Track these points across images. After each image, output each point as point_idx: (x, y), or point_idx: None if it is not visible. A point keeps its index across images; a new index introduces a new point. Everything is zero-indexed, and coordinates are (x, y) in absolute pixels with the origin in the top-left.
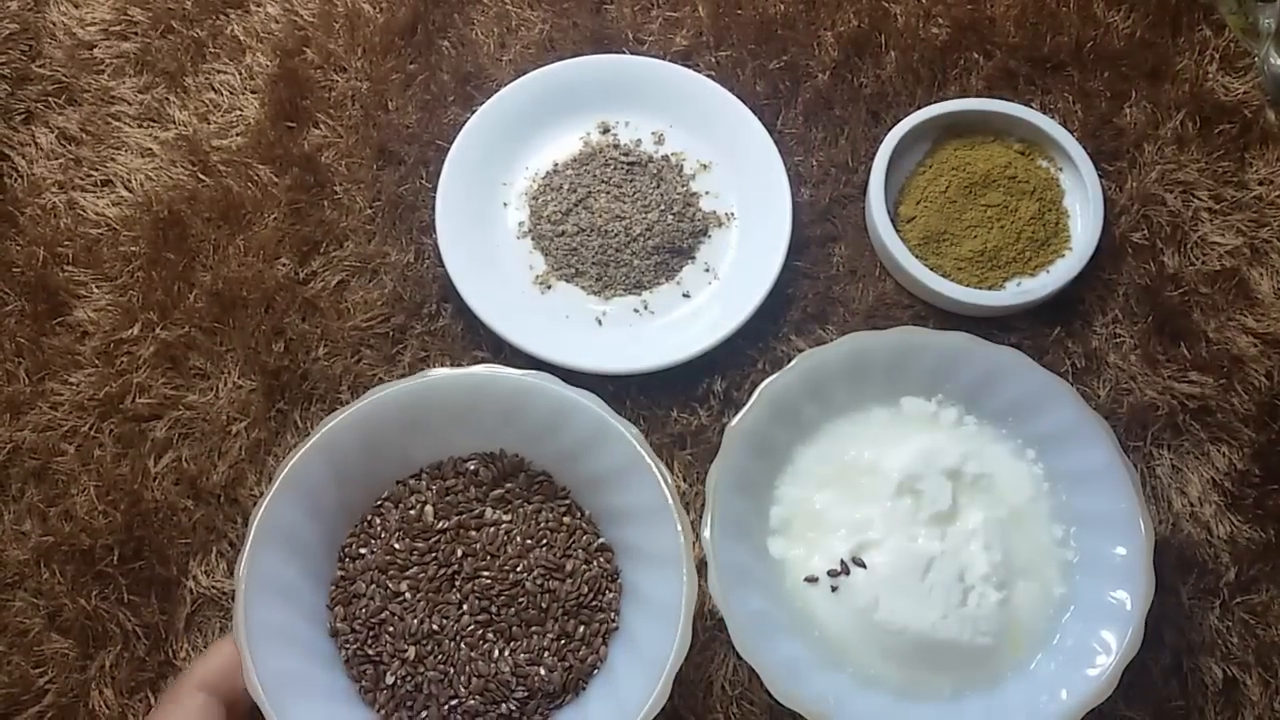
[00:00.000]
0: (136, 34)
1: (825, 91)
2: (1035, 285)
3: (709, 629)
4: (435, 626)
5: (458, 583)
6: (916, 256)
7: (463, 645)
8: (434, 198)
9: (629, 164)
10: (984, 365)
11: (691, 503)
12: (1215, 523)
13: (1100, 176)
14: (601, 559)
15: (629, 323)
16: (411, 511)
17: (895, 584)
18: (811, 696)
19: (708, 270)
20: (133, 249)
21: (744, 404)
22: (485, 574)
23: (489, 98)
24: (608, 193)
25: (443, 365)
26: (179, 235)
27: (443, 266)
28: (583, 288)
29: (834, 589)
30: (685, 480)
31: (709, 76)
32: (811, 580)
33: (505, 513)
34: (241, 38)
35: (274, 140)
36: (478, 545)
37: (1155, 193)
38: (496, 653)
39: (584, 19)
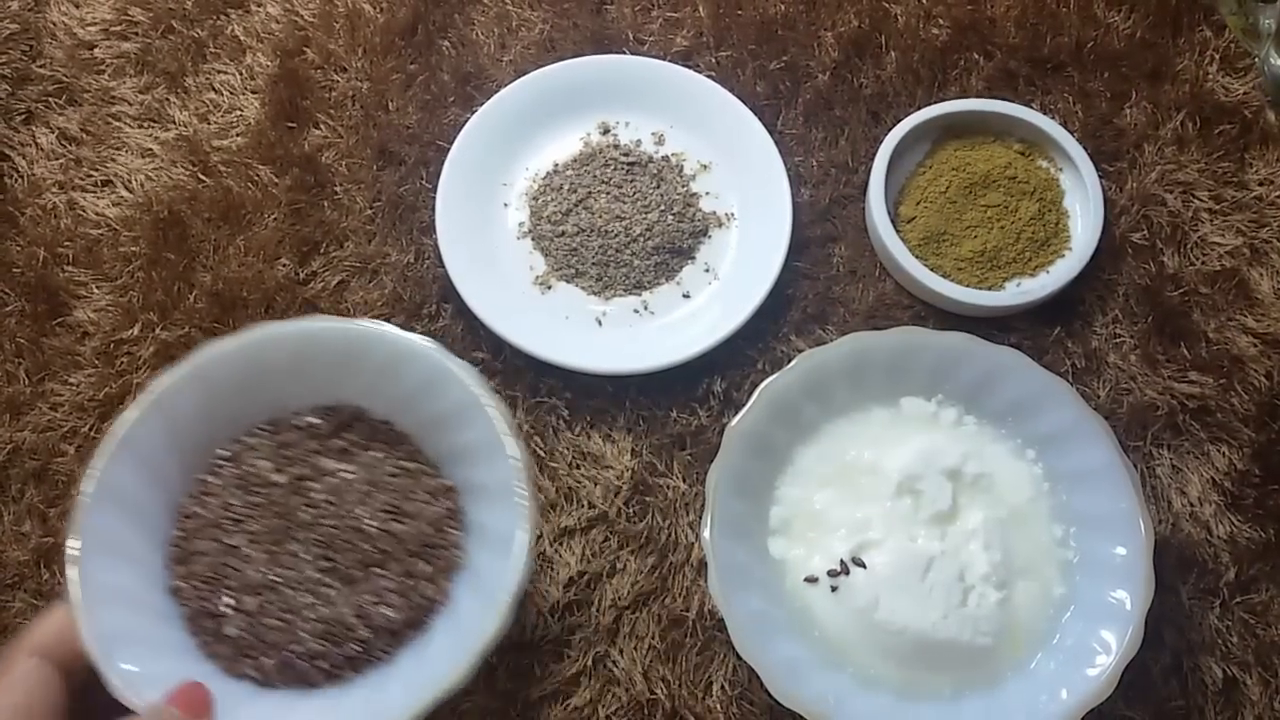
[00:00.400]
0: (137, 34)
1: (825, 92)
2: (1035, 285)
3: (709, 629)
4: (275, 577)
5: (297, 532)
6: (916, 257)
7: (304, 593)
8: (434, 198)
9: (629, 164)
10: (984, 365)
11: (691, 503)
12: (1215, 522)
13: (1100, 177)
14: (445, 499)
15: (629, 323)
16: (248, 467)
17: (895, 584)
18: (811, 696)
19: (708, 270)
20: (133, 249)
21: (744, 404)
22: (325, 522)
23: (489, 98)
24: (608, 193)
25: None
26: (179, 236)
27: (443, 267)
28: (583, 288)
29: (834, 589)
30: (685, 480)
31: (709, 77)
32: (811, 580)
33: (345, 462)
34: (242, 38)
35: (274, 140)
36: (317, 495)
37: (1155, 193)
38: (338, 597)
39: (584, 19)
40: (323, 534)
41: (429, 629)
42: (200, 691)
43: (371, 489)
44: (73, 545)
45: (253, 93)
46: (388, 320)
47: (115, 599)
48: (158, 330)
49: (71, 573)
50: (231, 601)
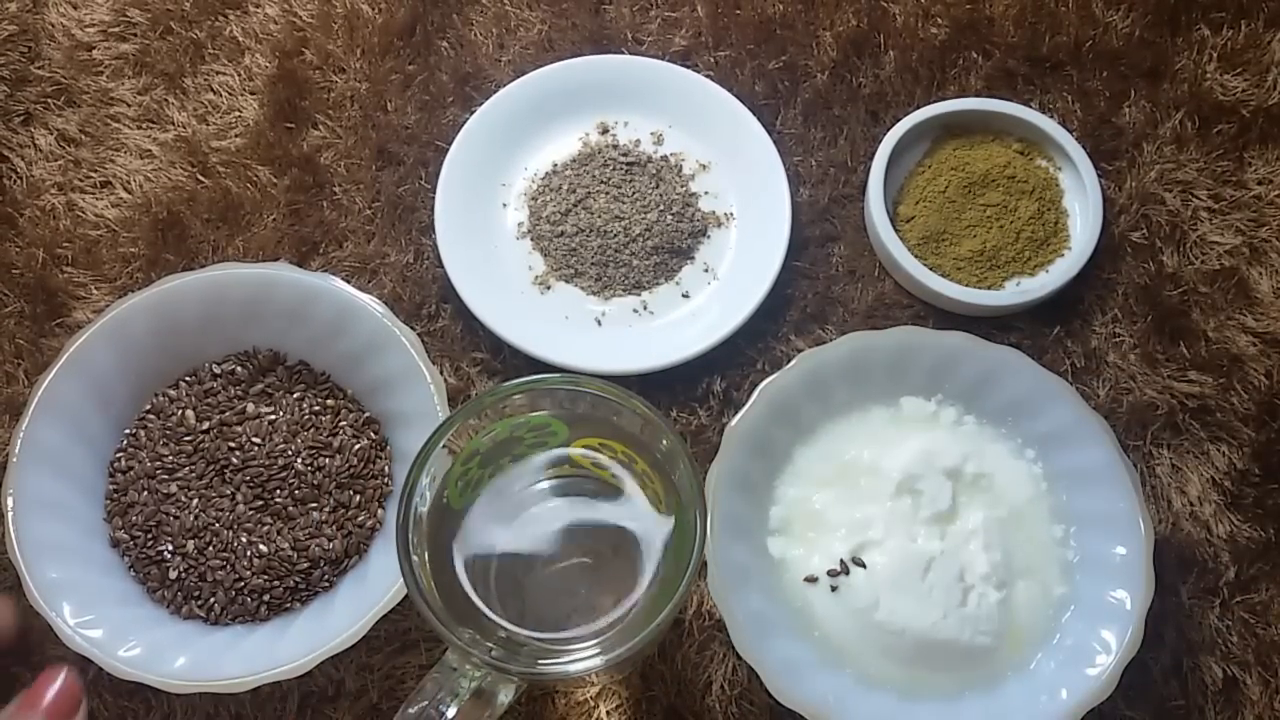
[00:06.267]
0: (135, 35)
1: (824, 91)
2: (1035, 285)
3: (708, 629)
4: (211, 519)
5: (229, 476)
6: (916, 256)
7: (242, 533)
8: (433, 198)
9: (628, 164)
10: (984, 365)
11: None
12: (1215, 522)
13: (1099, 176)
14: (370, 431)
15: (628, 323)
16: (173, 419)
17: (895, 584)
18: (811, 696)
19: (707, 270)
20: (132, 250)
21: (744, 404)
22: (255, 463)
23: (488, 98)
24: (607, 193)
25: (440, 364)
26: (178, 236)
27: (442, 267)
28: (582, 288)
29: (834, 589)
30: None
31: (708, 77)
32: (811, 580)
33: (267, 405)
34: (240, 39)
35: (273, 141)
36: (244, 439)
37: (1154, 192)
38: (276, 533)
39: (583, 19)
40: (254, 475)
41: (367, 554)
42: (70, 689)
43: (297, 428)
44: (6, 502)
45: (251, 93)
46: None
47: (55, 551)
48: None
49: (8, 529)
50: (171, 547)
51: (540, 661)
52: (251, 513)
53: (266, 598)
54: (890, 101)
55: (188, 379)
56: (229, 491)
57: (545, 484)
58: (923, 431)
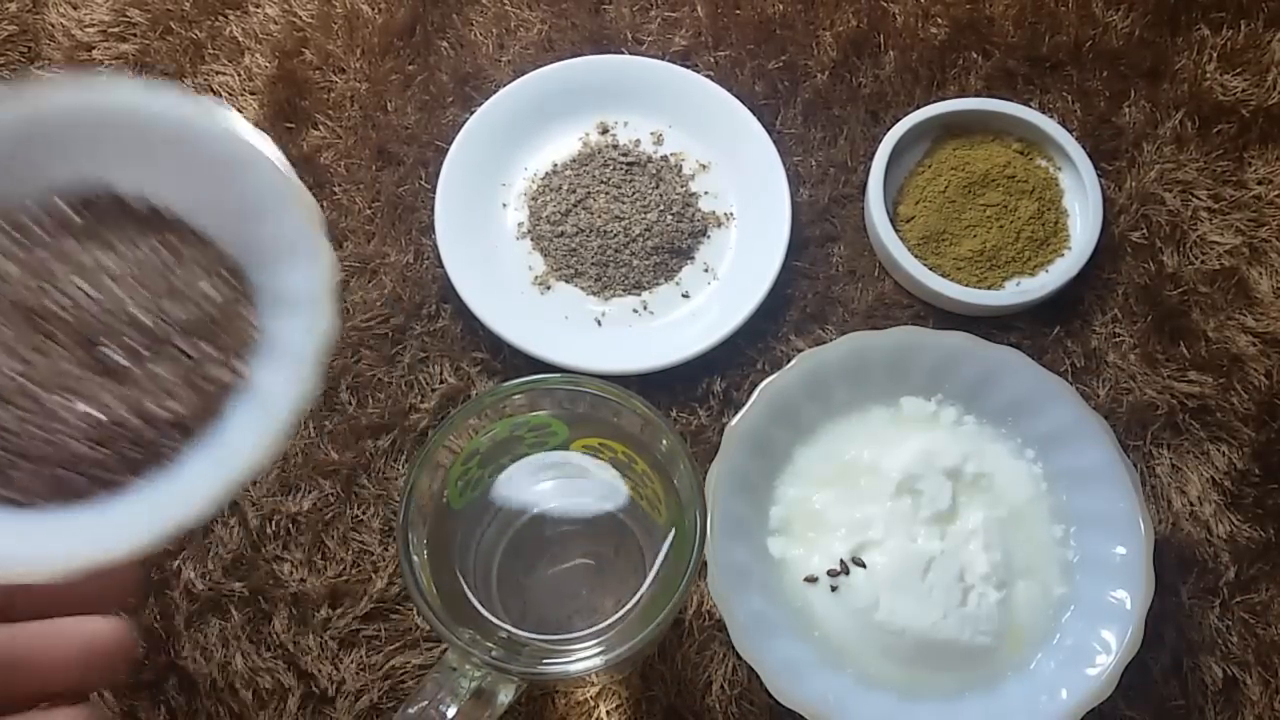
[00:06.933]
0: (135, 35)
1: (824, 91)
2: (1034, 285)
3: (708, 629)
4: (27, 380)
5: (51, 328)
6: (916, 256)
7: (67, 395)
8: (433, 198)
9: (628, 164)
10: (983, 365)
11: None
12: (1215, 522)
13: (1099, 176)
14: (233, 280)
15: (628, 323)
16: None
17: (895, 584)
18: (811, 696)
19: (707, 270)
20: None
21: (743, 404)
22: (83, 313)
23: (488, 98)
24: (607, 193)
25: (439, 364)
26: None
27: (442, 267)
28: (582, 288)
29: (834, 589)
30: None
31: (708, 77)
32: (811, 580)
33: (103, 250)
34: (240, 39)
35: (273, 141)
36: (70, 284)
37: (1154, 192)
38: (108, 394)
39: (583, 19)
40: (82, 326)
41: (223, 417)
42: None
43: (140, 272)
44: None
45: (251, 94)
46: (386, 320)
47: None
48: None
49: None
50: None
51: (541, 661)
52: (78, 370)
53: (96, 471)
54: (890, 101)
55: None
56: (48, 347)
57: (545, 484)
58: (923, 431)
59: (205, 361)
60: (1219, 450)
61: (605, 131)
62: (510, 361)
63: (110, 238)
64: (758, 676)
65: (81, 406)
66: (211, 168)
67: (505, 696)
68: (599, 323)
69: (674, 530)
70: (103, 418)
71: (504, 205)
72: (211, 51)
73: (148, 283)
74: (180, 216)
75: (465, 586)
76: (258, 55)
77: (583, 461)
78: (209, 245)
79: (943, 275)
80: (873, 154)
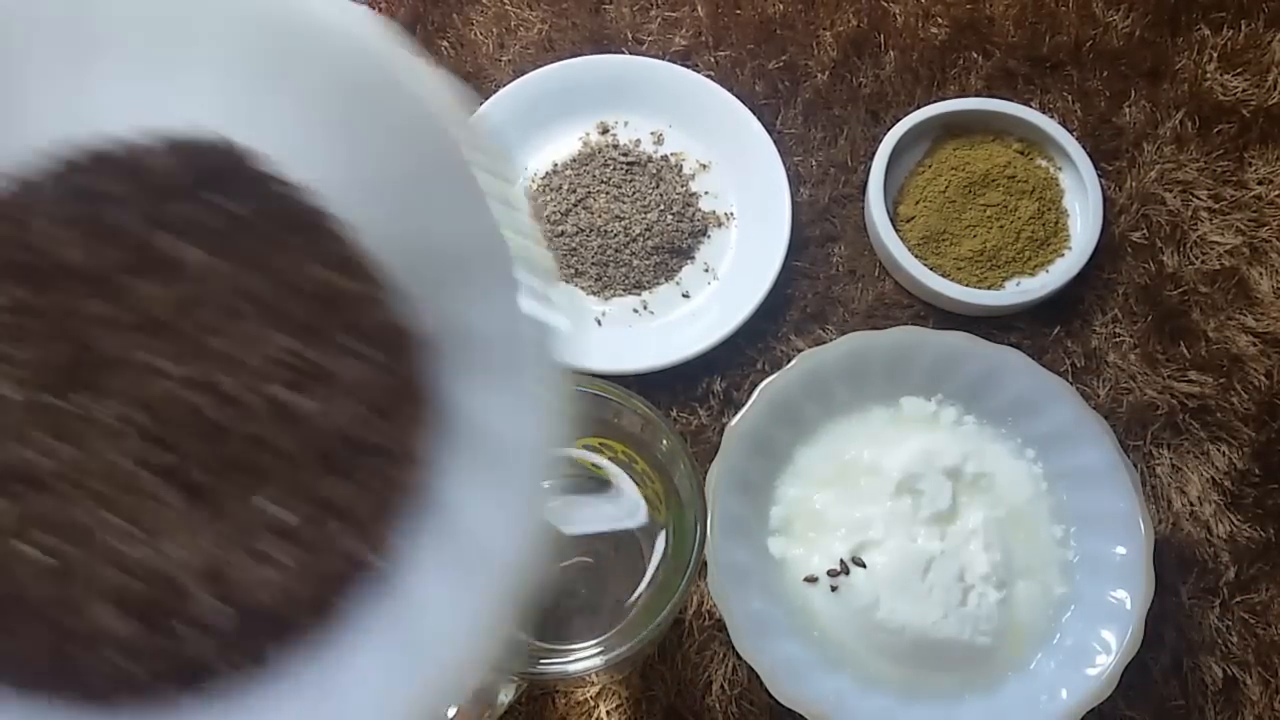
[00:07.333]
0: None
1: (824, 91)
2: (1035, 285)
3: (708, 629)
4: (53, 462)
5: (100, 378)
6: (916, 256)
7: (114, 510)
8: None
9: (628, 164)
10: (984, 365)
11: None
12: (1215, 522)
13: (1099, 176)
14: (397, 351)
15: (628, 323)
16: (17, 231)
17: (895, 584)
18: (811, 696)
19: (707, 270)
20: None
21: (744, 404)
22: (153, 360)
23: (488, 98)
24: (607, 193)
25: None
26: None
27: None
28: (582, 288)
29: (834, 589)
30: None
31: (708, 76)
32: (811, 580)
33: (206, 248)
34: None
35: None
36: (145, 304)
37: (1154, 192)
38: (179, 526)
39: (583, 19)
40: (148, 390)
41: (341, 617)
42: None
43: (254, 306)
44: None
45: None
46: None
47: None
48: None
49: None
50: None
51: (540, 661)
52: (138, 469)
53: (129, 664)
54: (890, 101)
55: (55, 159)
56: (96, 410)
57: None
58: (923, 431)
59: (334, 514)
60: (1219, 450)
61: (605, 131)
62: None
63: (226, 229)
64: (758, 676)
65: (132, 533)
66: (382, 117)
67: (505, 696)
68: (599, 323)
69: (674, 530)
70: (161, 565)
71: None
72: None
73: (274, 338)
74: (328, 207)
75: None
76: None
77: (583, 461)
78: (375, 274)
79: (943, 275)
80: (873, 154)
